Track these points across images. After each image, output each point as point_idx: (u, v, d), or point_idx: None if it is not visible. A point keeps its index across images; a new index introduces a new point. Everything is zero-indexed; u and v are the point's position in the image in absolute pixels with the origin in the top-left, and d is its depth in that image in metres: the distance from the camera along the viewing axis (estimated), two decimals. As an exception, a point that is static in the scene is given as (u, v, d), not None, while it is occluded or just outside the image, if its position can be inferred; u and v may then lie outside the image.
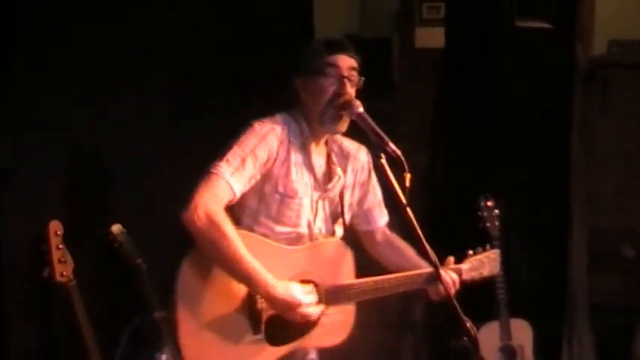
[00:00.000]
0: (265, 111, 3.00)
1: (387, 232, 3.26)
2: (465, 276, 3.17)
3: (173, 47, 3.86)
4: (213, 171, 2.74)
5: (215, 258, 2.71)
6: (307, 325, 2.89)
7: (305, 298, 2.80)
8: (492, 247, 4.14)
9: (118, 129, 3.63)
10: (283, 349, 2.88)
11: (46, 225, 3.19)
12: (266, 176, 2.85)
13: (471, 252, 3.27)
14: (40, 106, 3.35)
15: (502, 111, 4.60)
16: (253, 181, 2.83)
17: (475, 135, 4.60)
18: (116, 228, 3.48)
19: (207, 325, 2.72)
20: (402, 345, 4.66)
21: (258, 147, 2.81)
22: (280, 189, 2.88)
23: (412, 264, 3.07)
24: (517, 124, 4.60)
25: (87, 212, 3.54)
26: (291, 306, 2.75)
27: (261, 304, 2.79)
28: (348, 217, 3.13)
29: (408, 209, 2.62)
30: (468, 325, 2.60)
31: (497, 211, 4.26)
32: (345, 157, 3.09)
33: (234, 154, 2.77)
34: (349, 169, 3.10)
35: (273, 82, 4.19)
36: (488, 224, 4.23)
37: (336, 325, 2.98)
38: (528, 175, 4.59)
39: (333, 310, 2.94)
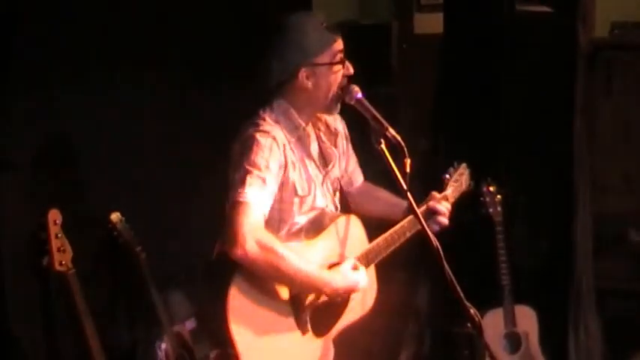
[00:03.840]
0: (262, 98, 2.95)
1: (363, 185, 3.32)
2: (452, 199, 3.23)
3: (169, 35, 3.85)
4: (242, 200, 2.62)
5: (275, 277, 2.68)
6: (345, 301, 2.91)
7: (357, 275, 2.83)
8: (495, 233, 4.21)
9: (117, 117, 3.62)
10: (330, 336, 2.94)
11: (45, 214, 3.18)
12: (282, 184, 2.80)
13: (447, 176, 3.30)
14: (38, 95, 3.35)
15: (503, 95, 4.56)
16: (274, 195, 2.77)
17: (476, 120, 4.56)
18: (115, 216, 3.48)
19: (264, 342, 2.70)
20: (405, 332, 4.64)
21: (270, 160, 2.71)
22: (299, 192, 2.85)
23: (393, 205, 3.15)
24: (519, 108, 4.56)
25: (86, 201, 3.54)
26: (353, 289, 2.82)
27: (307, 301, 2.80)
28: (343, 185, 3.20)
29: (409, 195, 2.60)
30: (472, 311, 2.56)
31: (499, 196, 4.23)
32: (332, 133, 3.07)
33: (253, 176, 2.66)
34: (338, 143, 3.11)
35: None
36: (490, 209, 4.21)
37: (365, 291, 2.98)
38: (531, 160, 4.55)
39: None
